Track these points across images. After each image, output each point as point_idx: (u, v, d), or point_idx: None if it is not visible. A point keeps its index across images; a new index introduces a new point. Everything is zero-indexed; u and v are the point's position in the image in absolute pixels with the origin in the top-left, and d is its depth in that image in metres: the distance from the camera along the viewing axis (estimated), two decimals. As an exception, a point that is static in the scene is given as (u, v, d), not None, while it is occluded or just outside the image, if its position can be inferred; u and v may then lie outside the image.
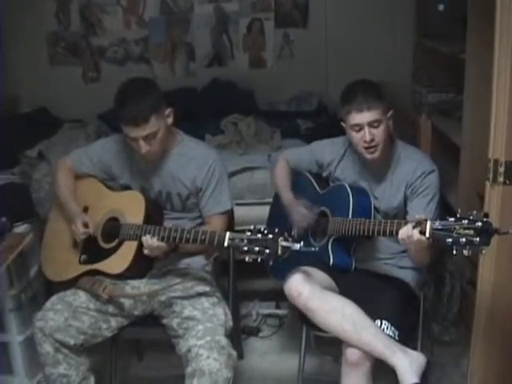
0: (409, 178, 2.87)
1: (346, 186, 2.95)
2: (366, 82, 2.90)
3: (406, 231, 2.48)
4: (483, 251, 2.28)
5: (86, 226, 2.97)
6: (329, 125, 4.46)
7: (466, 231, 2.25)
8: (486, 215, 2.28)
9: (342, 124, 2.91)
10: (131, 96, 2.81)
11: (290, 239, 2.51)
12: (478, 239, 2.24)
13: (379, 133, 2.80)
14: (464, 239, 2.25)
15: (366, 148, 2.83)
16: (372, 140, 2.80)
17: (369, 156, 2.86)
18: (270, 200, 3.45)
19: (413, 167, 2.87)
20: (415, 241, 2.45)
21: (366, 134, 2.79)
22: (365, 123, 2.78)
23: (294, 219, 3.03)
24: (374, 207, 2.92)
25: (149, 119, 2.78)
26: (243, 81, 5.11)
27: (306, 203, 3.04)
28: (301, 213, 3.01)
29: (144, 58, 5.19)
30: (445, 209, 2.77)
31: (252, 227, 2.54)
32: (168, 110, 2.90)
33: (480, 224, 2.25)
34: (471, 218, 2.27)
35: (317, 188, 3.14)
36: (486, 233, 2.24)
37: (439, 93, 4.23)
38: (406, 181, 2.87)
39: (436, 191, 2.85)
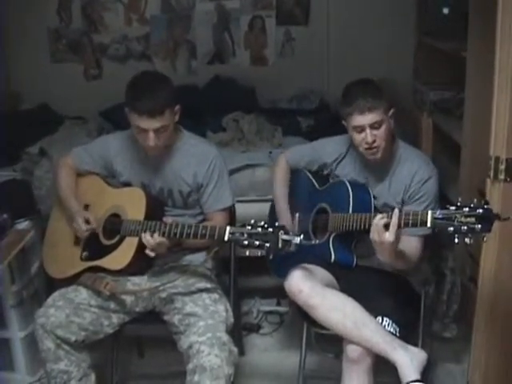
0: (407, 182, 2.86)
1: (346, 181, 2.95)
2: (366, 81, 2.88)
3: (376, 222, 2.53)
4: (485, 239, 2.28)
5: (87, 222, 2.97)
6: (330, 122, 4.46)
7: (468, 219, 2.25)
8: (487, 202, 2.27)
9: (344, 123, 2.90)
10: (149, 87, 2.81)
11: (290, 232, 2.51)
12: (479, 226, 2.23)
13: (381, 134, 2.80)
14: (465, 227, 2.25)
15: (368, 149, 2.83)
16: (374, 141, 2.80)
17: (371, 157, 2.86)
18: (272, 197, 3.45)
19: (412, 171, 2.86)
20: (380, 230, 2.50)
21: (368, 135, 2.79)
22: (366, 125, 2.78)
23: None
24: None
25: (164, 111, 2.79)
26: (244, 78, 5.12)
27: (298, 218, 3.09)
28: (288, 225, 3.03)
29: (145, 56, 5.20)
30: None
31: (252, 221, 2.55)
32: (177, 107, 2.91)
33: (481, 211, 2.24)
34: (472, 205, 2.27)
35: (315, 185, 3.14)
36: (488, 219, 2.24)
37: (440, 91, 4.24)
38: (405, 184, 2.87)
39: (433, 198, 2.85)
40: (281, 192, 3.25)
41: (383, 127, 2.80)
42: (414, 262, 2.80)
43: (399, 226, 2.51)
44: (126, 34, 5.16)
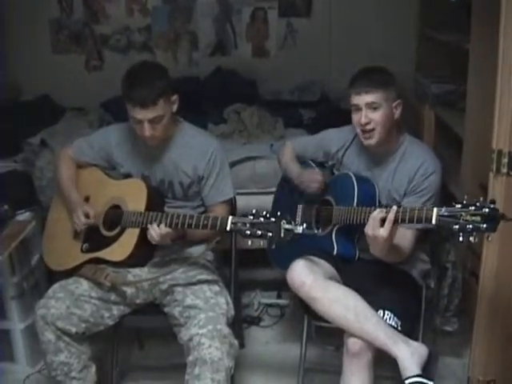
0: (411, 175, 2.86)
1: (351, 174, 2.94)
2: (376, 68, 2.89)
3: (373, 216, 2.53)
4: (489, 238, 2.28)
5: (87, 216, 2.97)
6: (331, 114, 4.46)
7: (473, 217, 2.24)
8: (493, 201, 2.26)
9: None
10: (142, 77, 2.81)
11: (292, 222, 2.51)
12: (484, 225, 2.22)
13: (376, 117, 2.80)
14: (471, 226, 2.23)
15: (362, 131, 2.84)
16: (367, 123, 2.80)
17: (365, 141, 2.87)
18: (273, 189, 3.45)
19: (416, 165, 2.86)
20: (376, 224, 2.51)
21: (362, 116, 2.80)
22: (362, 105, 2.79)
23: (305, 183, 3.07)
24: None
25: (157, 102, 2.78)
26: (246, 70, 5.11)
27: (314, 168, 3.10)
28: (310, 175, 3.06)
29: (147, 47, 5.19)
30: (448, 200, 2.77)
31: (254, 211, 2.54)
32: (174, 97, 2.90)
33: (487, 210, 2.23)
34: (478, 204, 2.26)
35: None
36: (493, 219, 2.22)
37: (443, 83, 4.22)
38: (408, 177, 2.86)
39: (434, 193, 2.84)
40: (292, 160, 3.24)
41: (380, 111, 2.80)
42: (405, 255, 2.80)
43: (396, 222, 2.50)
44: (127, 24, 5.15)
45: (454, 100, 4.06)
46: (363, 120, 2.80)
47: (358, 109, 2.81)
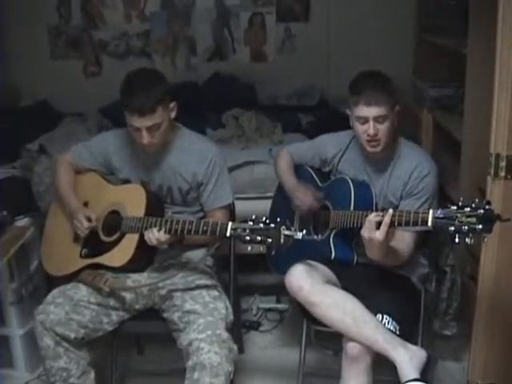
0: (406, 177, 2.86)
1: (348, 178, 2.95)
2: (379, 74, 2.88)
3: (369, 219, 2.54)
4: (485, 239, 2.28)
5: (89, 220, 2.96)
6: (330, 119, 4.46)
7: (469, 219, 2.25)
8: (488, 202, 2.27)
9: (348, 112, 2.89)
10: (140, 85, 2.81)
11: (292, 228, 2.51)
12: (480, 226, 2.23)
13: (384, 128, 2.79)
14: (466, 227, 2.24)
15: (369, 141, 2.83)
16: (375, 134, 2.79)
17: (370, 149, 2.86)
18: (271, 194, 3.45)
19: (411, 168, 2.86)
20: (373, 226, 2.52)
21: (371, 128, 2.78)
22: (371, 117, 2.77)
23: (296, 202, 3.06)
24: None
25: (155, 110, 2.78)
26: (244, 75, 5.11)
27: (309, 186, 3.07)
28: (304, 195, 3.04)
29: (145, 53, 5.20)
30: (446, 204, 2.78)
31: (253, 217, 2.54)
32: (172, 104, 2.90)
33: (482, 211, 2.24)
34: (473, 205, 2.26)
35: (318, 182, 3.14)
36: (489, 220, 2.23)
37: (441, 87, 4.23)
38: (403, 180, 2.87)
39: (430, 195, 2.84)
40: (288, 172, 3.22)
41: (387, 123, 2.79)
42: (404, 259, 2.80)
43: (392, 226, 2.51)
44: (125, 30, 5.15)
45: (452, 104, 4.06)
46: (372, 131, 2.78)
47: (366, 121, 2.79)
